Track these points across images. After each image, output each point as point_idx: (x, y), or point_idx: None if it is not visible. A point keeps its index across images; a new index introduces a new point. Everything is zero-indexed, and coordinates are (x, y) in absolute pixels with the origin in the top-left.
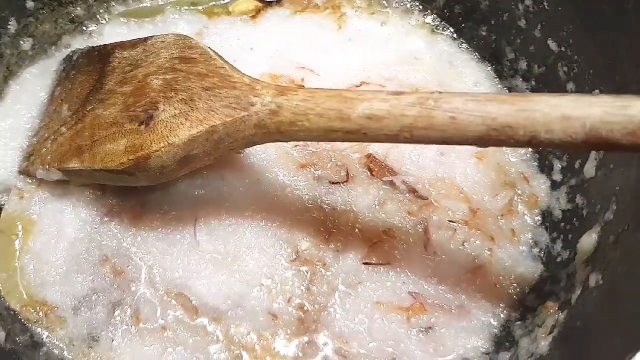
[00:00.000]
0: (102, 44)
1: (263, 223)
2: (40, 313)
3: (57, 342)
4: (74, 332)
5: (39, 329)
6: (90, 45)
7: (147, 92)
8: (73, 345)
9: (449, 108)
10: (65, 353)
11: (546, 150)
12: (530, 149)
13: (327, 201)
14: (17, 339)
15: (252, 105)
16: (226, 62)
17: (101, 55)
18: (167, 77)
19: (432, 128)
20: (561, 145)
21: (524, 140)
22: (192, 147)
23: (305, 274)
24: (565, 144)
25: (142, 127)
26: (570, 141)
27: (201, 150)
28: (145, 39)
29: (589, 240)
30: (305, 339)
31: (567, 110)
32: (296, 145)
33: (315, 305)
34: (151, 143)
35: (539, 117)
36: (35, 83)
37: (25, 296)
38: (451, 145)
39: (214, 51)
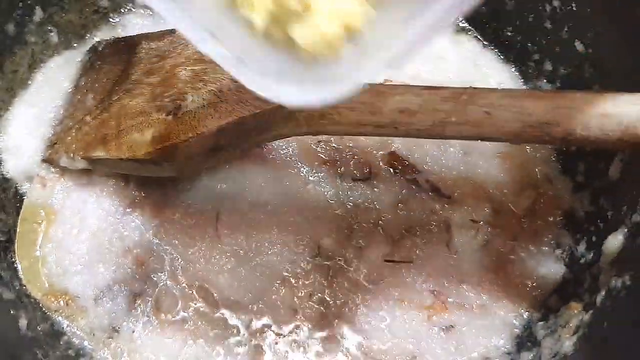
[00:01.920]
0: (127, 35)
1: (285, 218)
2: (62, 302)
3: (77, 332)
4: (95, 322)
5: (60, 318)
6: (116, 36)
7: (174, 82)
8: (94, 335)
9: (484, 103)
10: (86, 343)
11: (570, 151)
12: (554, 150)
13: (349, 198)
14: (38, 327)
15: None
16: None
17: (127, 46)
18: (196, 68)
19: (467, 123)
20: (596, 143)
21: (559, 136)
22: (220, 138)
23: (327, 270)
24: (600, 141)
25: (170, 117)
26: (605, 139)
27: (229, 142)
28: (172, 31)
29: (614, 242)
30: (326, 333)
31: (604, 108)
32: (319, 141)
33: (337, 301)
34: (179, 133)
35: (576, 115)
36: (59, 73)
37: (46, 285)
38: (475, 145)
39: None
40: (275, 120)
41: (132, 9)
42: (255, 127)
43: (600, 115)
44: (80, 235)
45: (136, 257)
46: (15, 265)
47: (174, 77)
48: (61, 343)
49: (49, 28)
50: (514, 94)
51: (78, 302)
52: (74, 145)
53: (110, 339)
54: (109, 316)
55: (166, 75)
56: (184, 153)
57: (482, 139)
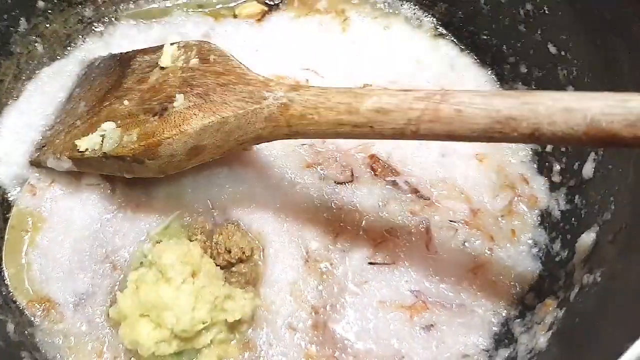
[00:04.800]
0: (114, 46)
1: (274, 218)
2: (43, 308)
3: (57, 337)
4: (72, 328)
5: (44, 323)
6: (103, 50)
7: (164, 88)
8: (71, 339)
9: (455, 102)
10: (65, 347)
11: (545, 151)
12: (530, 151)
13: (334, 201)
14: (25, 331)
15: (264, 100)
16: (241, 63)
17: (122, 60)
18: (185, 75)
19: (439, 121)
20: (564, 139)
21: (526, 132)
22: (203, 137)
23: (316, 274)
24: (567, 137)
25: (156, 117)
26: (572, 134)
27: (211, 141)
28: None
29: (587, 239)
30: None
31: (569, 103)
32: (303, 144)
33: (327, 306)
34: (163, 131)
35: (542, 110)
36: (50, 83)
37: (31, 292)
38: (453, 146)
39: (230, 54)
40: (257, 121)
41: (117, 19)
42: (237, 127)
43: (565, 110)
44: (64, 242)
45: (114, 262)
46: (3, 271)
47: (164, 83)
48: (43, 347)
49: (34, 38)
50: (484, 93)
51: (58, 308)
52: (61, 146)
53: (88, 343)
54: (87, 322)
55: (156, 81)
56: (167, 150)
57: (455, 138)
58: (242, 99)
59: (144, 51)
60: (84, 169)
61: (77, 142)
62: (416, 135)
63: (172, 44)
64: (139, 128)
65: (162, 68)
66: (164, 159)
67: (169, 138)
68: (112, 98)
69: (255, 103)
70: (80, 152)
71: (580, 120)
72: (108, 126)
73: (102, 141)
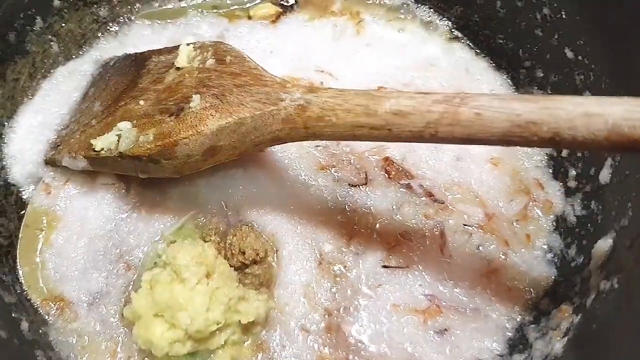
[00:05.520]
0: (128, 45)
1: (287, 219)
2: (57, 307)
3: (71, 336)
4: (86, 327)
5: (58, 322)
6: (118, 49)
7: (180, 88)
8: (85, 339)
9: (475, 105)
10: (78, 346)
11: (561, 156)
12: (545, 156)
13: (347, 203)
14: (40, 330)
15: (281, 101)
16: (258, 64)
17: (137, 60)
18: (201, 75)
19: (458, 124)
20: (584, 144)
21: (546, 137)
22: (219, 138)
23: (330, 276)
24: (588, 142)
25: (173, 117)
26: (593, 139)
27: (228, 142)
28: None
29: (604, 245)
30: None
31: (590, 108)
32: (317, 146)
33: (340, 308)
34: (180, 131)
35: (562, 114)
36: (65, 82)
37: (45, 291)
38: (468, 150)
39: (246, 55)
40: (274, 122)
41: (132, 19)
42: (254, 128)
43: (586, 115)
44: (79, 241)
45: (127, 262)
46: (17, 270)
47: (180, 83)
48: (57, 345)
49: (49, 37)
50: (504, 97)
51: (72, 307)
52: (77, 145)
53: (102, 342)
54: (101, 321)
55: (172, 82)
56: (184, 151)
57: (473, 142)
58: (258, 100)
59: (160, 51)
60: (99, 168)
61: (92, 141)
62: (435, 138)
63: (188, 44)
64: (155, 128)
65: (178, 68)
66: (180, 159)
67: (185, 138)
68: (128, 98)
69: (272, 104)
70: (96, 151)
71: (602, 126)
72: (124, 126)
73: (118, 141)
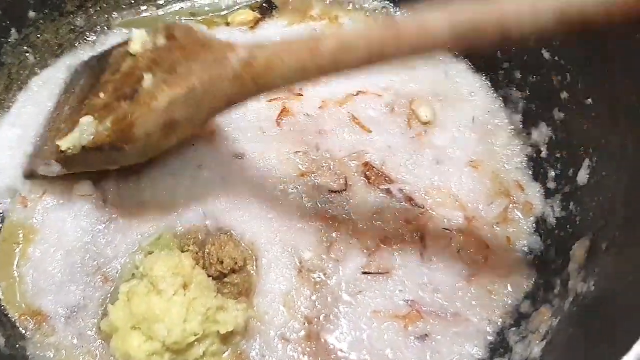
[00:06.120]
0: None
1: (267, 227)
2: (35, 322)
3: (48, 350)
4: (64, 341)
5: (36, 336)
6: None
7: (134, 72)
8: (63, 352)
9: (416, 18)
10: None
11: (541, 157)
12: (525, 157)
13: (327, 210)
14: (17, 344)
15: (227, 61)
16: (205, 33)
17: (101, 58)
18: (153, 55)
19: (401, 38)
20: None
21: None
22: (173, 110)
23: (310, 284)
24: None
25: (127, 101)
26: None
27: (184, 113)
28: None
29: (581, 247)
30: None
31: None
32: (297, 152)
33: (320, 316)
34: (134, 112)
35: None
36: (41, 93)
37: (23, 305)
38: (448, 154)
39: (196, 28)
40: (223, 84)
41: (109, 27)
42: (205, 93)
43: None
44: (56, 254)
45: (105, 274)
46: None
47: (134, 68)
48: None
49: (25, 48)
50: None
51: (49, 321)
52: (48, 152)
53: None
54: (78, 335)
55: (128, 68)
56: (141, 130)
57: (419, 52)
58: (206, 66)
59: (120, 44)
60: (73, 169)
61: (57, 142)
62: (381, 57)
63: (140, 30)
64: (112, 115)
65: (133, 55)
66: (141, 140)
67: (139, 117)
68: (91, 95)
69: (219, 66)
70: (63, 151)
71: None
72: (86, 120)
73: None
